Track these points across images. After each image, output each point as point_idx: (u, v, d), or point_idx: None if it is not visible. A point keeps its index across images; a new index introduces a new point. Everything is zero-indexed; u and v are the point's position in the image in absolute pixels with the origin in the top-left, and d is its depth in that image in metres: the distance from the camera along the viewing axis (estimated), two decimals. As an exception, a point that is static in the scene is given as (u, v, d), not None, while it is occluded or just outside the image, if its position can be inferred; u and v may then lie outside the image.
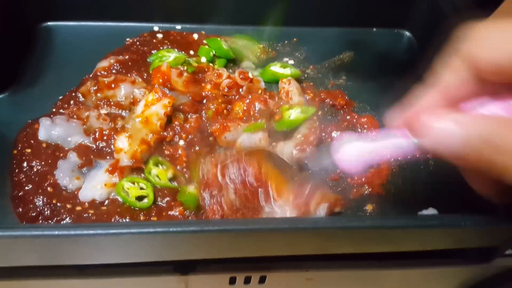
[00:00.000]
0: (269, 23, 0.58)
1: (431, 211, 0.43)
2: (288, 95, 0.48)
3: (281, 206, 0.39)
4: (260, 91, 0.49)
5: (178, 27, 0.58)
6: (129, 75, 0.49)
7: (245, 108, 0.46)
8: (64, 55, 0.53)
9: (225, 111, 0.46)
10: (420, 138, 0.28)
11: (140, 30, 0.57)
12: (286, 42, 0.58)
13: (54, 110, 0.47)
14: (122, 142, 0.42)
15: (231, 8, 0.58)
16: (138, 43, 0.54)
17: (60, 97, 0.48)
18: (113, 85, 0.46)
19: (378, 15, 0.61)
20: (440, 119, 0.26)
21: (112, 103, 0.46)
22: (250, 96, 0.47)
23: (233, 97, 0.48)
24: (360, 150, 0.33)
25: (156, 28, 0.57)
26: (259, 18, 0.57)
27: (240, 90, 0.49)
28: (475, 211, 0.34)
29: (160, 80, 0.46)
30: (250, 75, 0.50)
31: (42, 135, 0.44)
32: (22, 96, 0.49)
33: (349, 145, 0.33)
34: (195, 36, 0.56)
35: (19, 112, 0.47)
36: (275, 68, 0.53)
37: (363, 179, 0.46)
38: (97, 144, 0.43)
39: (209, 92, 0.48)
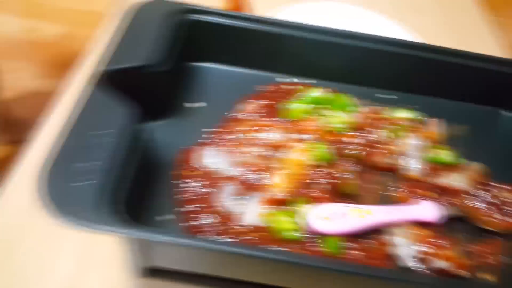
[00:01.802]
0: (391, 88, 0.65)
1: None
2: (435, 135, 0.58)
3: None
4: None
5: (306, 81, 0.66)
6: (268, 119, 0.57)
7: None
8: (207, 92, 0.62)
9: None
10: None
11: (270, 79, 0.65)
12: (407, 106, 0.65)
13: (209, 140, 0.54)
14: (277, 178, 0.49)
15: (352, 70, 0.66)
16: (271, 90, 0.62)
17: (210, 129, 0.56)
18: (261, 128, 0.54)
19: (485, 95, 0.66)
20: None
21: (260, 143, 0.53)
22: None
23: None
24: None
25: (283, 80, 0.65)
26: (381, 82, 0.65)
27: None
28: None
29: (306, 129, 0.53)
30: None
31: (204, 161, 0.51)
32: (176, 125, 0.57)
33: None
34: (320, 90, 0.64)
35: (175, 138, 0.55)
36: (401, 113, 0.60)
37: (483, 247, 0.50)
38: (251, 176, 0.50)
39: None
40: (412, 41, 0.68)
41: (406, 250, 0.47)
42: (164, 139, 0.54)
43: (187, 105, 0.60)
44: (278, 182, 0.49)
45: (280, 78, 0.65)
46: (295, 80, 0.66)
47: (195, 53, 0.64)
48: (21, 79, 1.41)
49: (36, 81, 1.62)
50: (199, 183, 0.49)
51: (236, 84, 0.63)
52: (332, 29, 0.63)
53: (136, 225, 0.35)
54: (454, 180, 0.55)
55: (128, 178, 0.39)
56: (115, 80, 0.47)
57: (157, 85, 0.53)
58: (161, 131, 0.55)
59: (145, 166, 0.46)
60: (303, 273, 0.43)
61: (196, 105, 0.60)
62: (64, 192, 0.36)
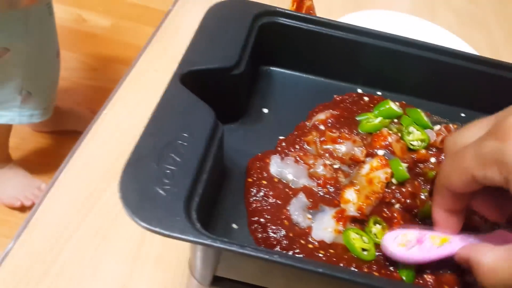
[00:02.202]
0: (462, 105, 0.63)
1: None
2: None
3: None
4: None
5: (379, 93, 0.63)
6: (342, 130, 0.54)
7: None
8: (280, 98, 0.60)
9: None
10: None
11: (344, 89, 0.63)
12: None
13: (279, 148, 0.53)
14: (350, 194, 0.47)
15: (425, 84, 0.63)
16: (347, 101, 0.60)
17: (281, 137, 0.54)
18: (338, 140, 0.52)
19: None
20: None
21: (334, 155, 0.51)
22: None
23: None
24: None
25: (359, 90, 0.63)
26: (453, 98, 0.62)
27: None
28: None
29: (382, 143, 0.51)
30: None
31: (273, 170, 0.50)
32: (248, 129, 0.56)
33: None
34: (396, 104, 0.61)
35: (247, 142, 0.54)
36: None
37: None
38: (321, 190, 0.49)
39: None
40: (485, 57, 0.65)
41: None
42: (234, 144, 0.53)
43: (260, 110, 0.58)
44: (352, 198, 0.47)
45: (361, 89, 0.63)
46: (378, 93, 0.63)
47: (272, 57, 0.62)
48: (69, 70, 1.45)
49: (84, 72, 1.66)
50: (267, 193, 0.47)
51: (313, 93, 0.61)
52: (408, 39, 0.60)
53: (209, 234, 0.34)
54: None
55: (201, 184, 0.38)
56: (193, 82, 0.47)
57: (232, 88, 0.52)
58: (232, 136, 0.54)
59: (217, 173, 0.45)
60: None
61: (270, 111, 0.58)
62: (141, 195, 0.36)
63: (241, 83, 0.54)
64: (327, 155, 0.52)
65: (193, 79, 0.47)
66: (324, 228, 0.45)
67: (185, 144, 0.40)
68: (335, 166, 0.51)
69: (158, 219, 0.35)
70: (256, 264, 0.39)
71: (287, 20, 0.59)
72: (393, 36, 0.60)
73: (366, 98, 0.61)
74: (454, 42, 0.99)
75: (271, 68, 0.63)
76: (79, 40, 1.70)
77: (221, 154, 0.47)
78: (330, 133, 0.53)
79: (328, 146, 0.52)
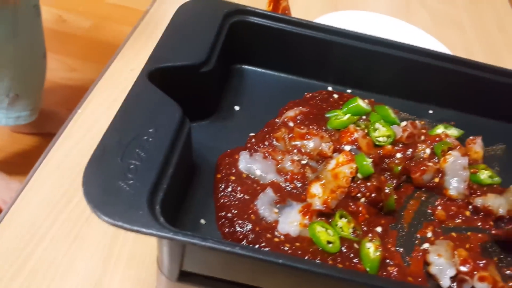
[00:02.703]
0: (430, 102, 0.64)
1: None
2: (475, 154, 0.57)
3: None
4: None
5: (349, 90, 0.64)
6: (311, 126, 0.55)
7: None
8: (251, 96, 0.61)
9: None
10: None
11: (315, 87, 0.64)
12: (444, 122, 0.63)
13: (249, 145, 0.53)
14: (316, 189, 0.48)
15: (394, 81, 0.64)
16: (317, 98, 0.61)
17: (251, 134, 0.55)
18: (306, 136, 0.53)
19: None
20: None
21: (302, 151, 0.52)
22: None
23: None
24: None
25: (330, 88, 0.64)
26: (420, 95, 0.64)
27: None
28: None
29: (349, 139, 0.52)
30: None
31: (242, 166, 0.50)
32: (219, 126, 0.56)
33: None
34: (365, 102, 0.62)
35: (218, 139, 0.54)
36: (441, 129, 0.59)
37: None
38: (289, 185, 0.49)
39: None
40: (451, 55, 0.66)
41: (445, 270, 0.46)
42: (204, 141, 0.53)
43: (231, 107, 0.59)
44: (317, 193, 0.48)
45: (332, 87, 0.64)
46: (349, 91, 0.64)
47: (245, 56, 0.63)
48: (49, 70, 1.44)
49: (64, 73, 1.64)
50: (236, 189, 0.48)
51: (285, 90, 0.62)
52: (378, 38, 0.62)
53: (172, 228, 0.34)
54: (492, 202, 0.53)
55: (167, 179, 0.39)
56: (161, 78, 0.47)
57: (201, 85, 0.52)
58: (202, 133, 0.54)
59: (184, 168, 0.46)
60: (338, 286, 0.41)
61: (241, 108, 0.59)
62: (105, 189, 0.36)
63: (211, 81, 0.54)
64: (295, 151, 0.52)
65: (161, 76, 0.48)
66: (290, 222, 0.46)
67: (151, 139, 0.40)
68: (303, 162, 0.52)
69: (121, 214, 0.35)
70: (221, 258, 0.39)
71: (257, 19, 0.60)
72: (363, 35, 0.62)
73: (336, 96, 0.62)
74: (429, 41, 1.00)
75: (243, 66, 0.64)
76: (59, 40, 1.69)
77: (189, 150, 0.47)
78: (299, 130, 0.53)
79: (296, 142, 0.53)
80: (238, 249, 0.34)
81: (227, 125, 0.57)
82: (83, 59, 1.64)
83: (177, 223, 0.44)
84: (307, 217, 0.46)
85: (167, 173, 0.39)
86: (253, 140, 0.54)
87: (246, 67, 0.64)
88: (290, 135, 0.53)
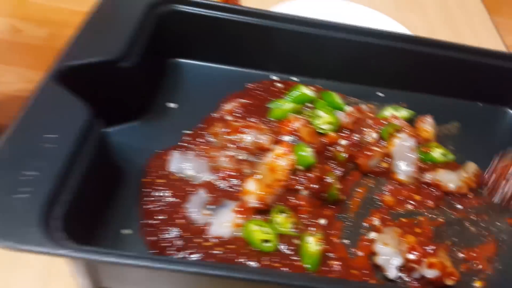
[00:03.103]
0: (379, 85, 0.61)
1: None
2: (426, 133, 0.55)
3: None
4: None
5: (295, 78, 0.61)
6: (251, 119, 0.52)
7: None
8: (188, 91, 0.57)
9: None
10: None
11: (258, 77, 0.60)
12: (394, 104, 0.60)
13: (181, 144, 0.49)
14: (251, 185, 0.44)
15: (341, 66, 0.61)
16: (258, 89, 0.57)
17: (186, 131, 0.51)
18: (242, 130, 0.49)
19: (483, 91, 0.63)
20: None
21: (238, 146, 0.48)
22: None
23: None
24: None
25: (274, 77, 0.60)
26: (369, 78, 0.61)
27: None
28: None
29: (288, 129, 0.48)
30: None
31: (173, 167, 0.46)
32: (151, 126, 0.52)
33: None
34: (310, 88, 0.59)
35: (149, 140, 0.50)
36: (389, 111, 0.56)
37: (471, 253, 0.46)
38: (224, 183, 0.46)
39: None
40: (401, 33, 0.63)
41: (391, 259, 0.43)
42: (133, 144, 0.49)
43: (166, 105, 0.55)
44: (253, 189, 0.44)
45: (275, 76, 0.60)
46: (294, 78, 0.61)
47: (180, 49, 0.59)
48: (4, 83, 1.38)
49: (21, 85, 1.57)
50: (165, 192, 0.44)
51: (225, 83, 0.58)
52: (323, 21, 0.58)
53: (70, 244, 0.30)
54: (442, 177, 0.51)
55: (70, 189, 0.35)
56: (73, 78, 0.43)
57: (124, 83, 0.48)
58: (131, 135, 0.50)
59: (99, 176, 0.41)
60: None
61: (175, 105, 0.55)
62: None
63: (137, 78, 0.50)
64: (232, 146, 0.49)
65: (73, 75, 0.43)
66: (222, 223, 0.42)
67: (53, 147, 0.36)
68: (240, 157, 0.48)
69: (11, 233, 0.31)
70: (136, 272, 0.35)
71: (188, 7, 0.55)
72: (304, 19, 0.58)
73: (279, 85, 0.58)
74: (391, 25, 0.97)
75: (179, 60, 0.60)
76: (15, 51, 1.62)
77: (106, 156, 0.43)
78: (235, 123, 0.50)
79: (232, 137, 0.49)
80: (142, 261, 0.30)
81: (161, 125, 0.52)
82: (41, 70, 1.58)
83: (97, 236, 0.40)
84: (240, 216, 0.43)
85: (69, 183, 0.35)
86: (186, 138, 0.50)
87: (182, 60, 0.60)
88: (227, 130, 0.49)
